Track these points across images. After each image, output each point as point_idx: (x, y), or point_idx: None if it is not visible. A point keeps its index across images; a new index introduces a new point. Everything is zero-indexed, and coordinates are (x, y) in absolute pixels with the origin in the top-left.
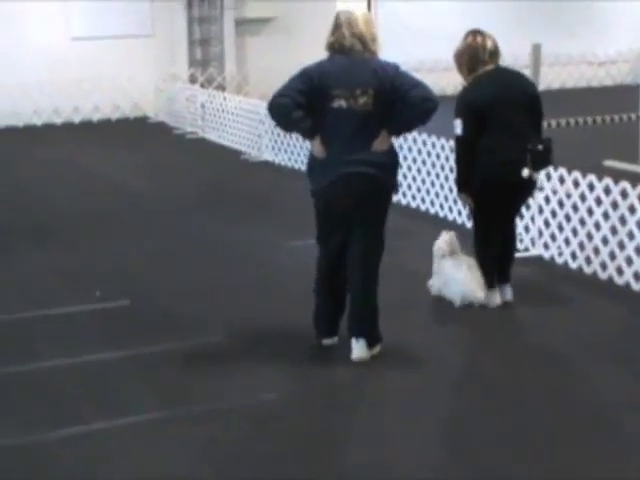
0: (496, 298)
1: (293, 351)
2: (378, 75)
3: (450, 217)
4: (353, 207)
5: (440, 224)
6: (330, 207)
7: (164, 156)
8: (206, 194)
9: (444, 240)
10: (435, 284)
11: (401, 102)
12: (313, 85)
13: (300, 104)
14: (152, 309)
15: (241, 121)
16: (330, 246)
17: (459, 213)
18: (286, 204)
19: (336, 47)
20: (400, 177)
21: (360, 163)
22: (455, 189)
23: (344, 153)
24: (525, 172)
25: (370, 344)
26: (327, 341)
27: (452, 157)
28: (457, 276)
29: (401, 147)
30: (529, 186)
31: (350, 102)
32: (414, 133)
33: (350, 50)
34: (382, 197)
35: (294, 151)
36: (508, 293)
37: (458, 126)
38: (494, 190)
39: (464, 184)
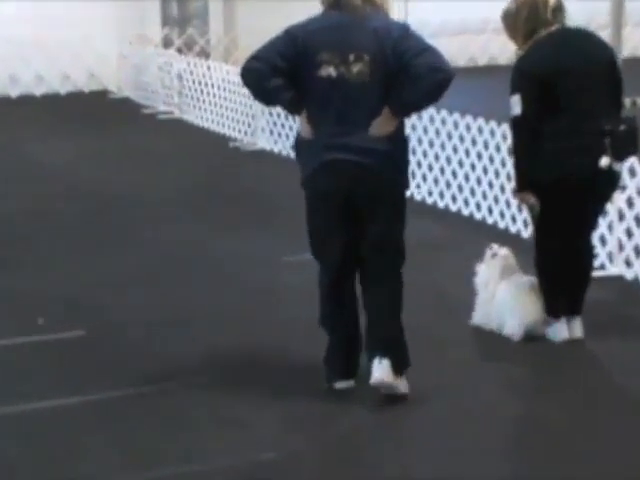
0: (563, 331)
1: (296, 397)
2: (378, 37)
3: (500, 224)
4: (346, 206)
5: (485, 233)
6: (318, 203)
7: (130, 144)
8: (186, 194)
9: (494, 259)
10: (478, 312)
11: (404, 73)
12: (297, 47)
13: (280, 70)
14: (115, 341)
15: (230, 98)
16: (327, 257)
17: (512, 219)
18: (287, 206)
19: (330, 0)
20: (425, 169)
21: (349, 149)
22: (510, 186)
23: (332, 135)
24: (604, 161)
25: (396, 368)
26: (341, 384)
27: (503, 145)
28: (514, 302)
29: (425, 130)
30: (609, 182)
31: (341, 70)
32: (443, 111)
33: (346, 3)
34: (385, 196)
35: None
36: (578, 328)
37: (515, 104)
38: (563, 187)
39: (523, 180)
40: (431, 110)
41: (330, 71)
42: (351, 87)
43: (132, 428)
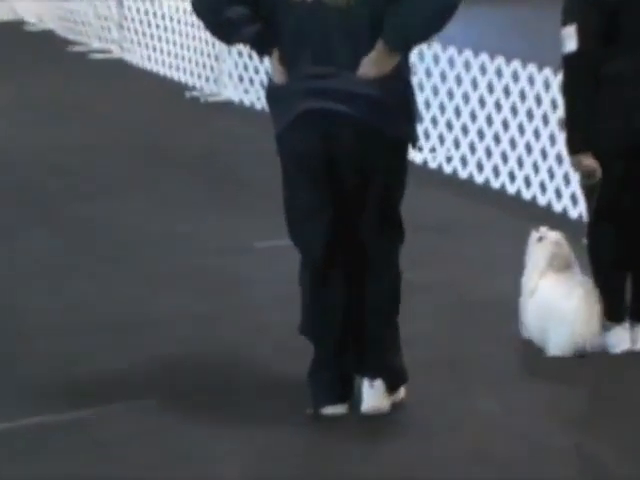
0: (624, 340)
1: (271, 426)
2: None
3: (540, 200)
4: (331, 172)
5: (521, 213)
6: (295, 169)
7: (53, 91)
8: (126, 160)
9: (539, 245)
10: (530, 321)
11: None
12: None
13: None
14: (29, 354)
15: (186, 33)
16: (310, 241)
17: (557, 194)
18: (260, 176)
19: None
20: (443, 128)
21: (331, 95)
22: (564, 148)
23: (309, 78)
24: None
25: (391, 386)
26: (330, 410)
27: (545, 95)
28: (565, 307)
29: (442, 77)
30: None
31: None
32: (467, 52)
33: None
34: (381, 158)
35: None
36: None
37: (569, 38)
38: (629, 151)
39: (578, 138)
40: (452, 50)
41: None
42: (331, 13)
43: (54, 463)
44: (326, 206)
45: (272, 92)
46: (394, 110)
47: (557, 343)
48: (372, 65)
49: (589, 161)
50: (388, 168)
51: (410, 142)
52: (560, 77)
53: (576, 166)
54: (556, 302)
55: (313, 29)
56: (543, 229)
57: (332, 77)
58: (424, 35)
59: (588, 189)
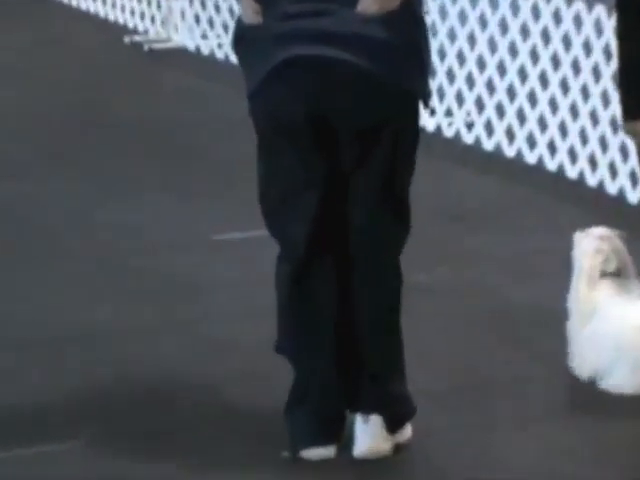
0: None
1: (237, 474)
2: None
3: (590, 180)
4: (320, 139)
5: (564, 195)
6: (275, 135)
7: None
8: (48, 126)
9: (585, 243)
10: (587, 355)
11: None
12: None
13: None
14: None
15: None
16: (292, 227)
17: (611, 171)
18: (225, 148)
19: None
20: (462, 84)
21: (323, 38)
22: (619, 114)
23: (291, 17)
24: None
25: (393, 422)
26: (313, 452)
27: (596, 41)
28: (625, 331)
29: (461, 17)
30: None
31: None
32: None
33: None
34: (387, 121)
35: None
36: None
37: None
38: None
39: (636, 98)
40: None
41: None
42: None
43: None
44: (315, 183)
45: (242, 36)
46: (404, 56)
47: (622, 378)
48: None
49: None
50: (395, 133)
51: (421, 99)
52: (614, 18)
53: (632, 135)
54: (623, 325)
55: None
56: (597, 231)
57: (323, 16)
58: None
59: None
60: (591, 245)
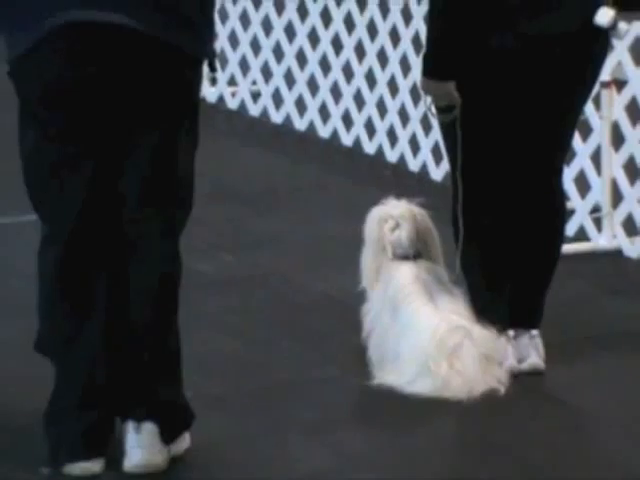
0: (507, 356)
1: None
2: None
3: (390, 156)
4: (93, 109)
5: (365, 173)
6: (43, 106)
7: None
8: None
9: (387, 221)
10: (384, 354)
11: None
12: None
13: None
14: None
15: None
16: (60, 196)
17: (412, 146)
18: None
19: None
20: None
21: (106, 1)
22: (417, 70)
23: None
24: (606, 14)
25: (167, 433)
26: (77, 467)
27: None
28: (419, 320)
29: None
30: (598, 54)
31: None
32: None
33: None
34: (179, 82)
35: None
36: (533, 351)
37: None
38: (523, 58)
39: (449, 55)
40: None
41: None
42: None
43: None
44: (87, 155)
45: None
46: (192, 17)
47: (416, 379)
48: None
49: (454, 91)
50: (175, 99)
51: (207, 59)
52: None
53: (428, 93)
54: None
55: None
56: (393, 201)
57: None
58: None
59: (446, 130)
60: (378, 212)
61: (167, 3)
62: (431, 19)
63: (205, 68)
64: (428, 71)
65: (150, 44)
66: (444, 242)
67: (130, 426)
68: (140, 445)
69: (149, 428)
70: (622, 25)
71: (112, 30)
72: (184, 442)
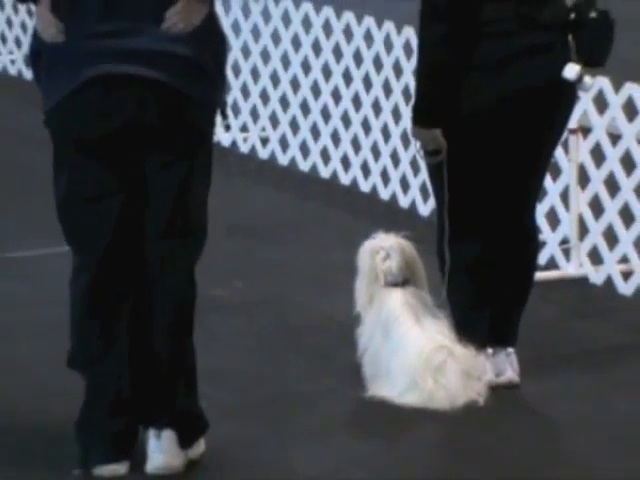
0: (485, 371)
1: None
2: None
3: (383, 194)
4: (124, 145)
5: (361, 209)
6: (75, 152)
7: None
8: None
9: (379, 253)
10: (377, 368)
11: None
12: None
13: None
14: None
15: None
16: (91, 229)
17: (402, 185)
18: (12, 165)
19: None
20: (257, 102)
21: (131, 56)
22: (408, 119)
23: (97, 36)
24: (573, 69)
25: (185, 439)
26: (105, 470)
27: (387, 58)
28: (408, 340)
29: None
30: (569, 103)
31: None
32: (307, 4)
33: None
34: (190, 134)
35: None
36: (509, 366)
37: None
38: (500, 113)
39: (435, 107)
40: None
41: None
42: None
43: None
44: (117, 190)
45: (39, 54)
46: (209, 71)
47: (407, 390)
48: (180, 16)
49: (431, 136)
50: (193, 144)
51: (220, 109)
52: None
53: (419, 138)
54: (397, 333)
55: None
56: (381, 235)
57: (130, 35)
58: None
59: (433, 171)
60: (370, 244)
61: (187, 58)
62: (418, 76)
63: (219, 116)
64: (416, 120)
65: (172, 94)
66: (429, 270)
67: (152, 433)
68: (161, 450)
69: (168, 435)
70: (587, 79)
71: (139, 81)
72: (200, 447)
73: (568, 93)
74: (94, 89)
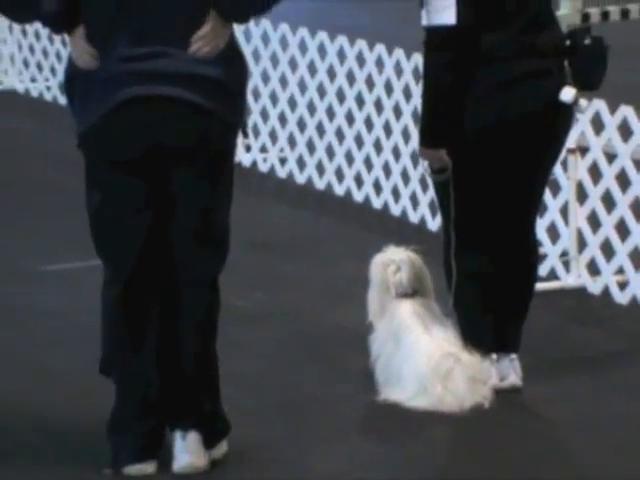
0: (490, 376)
1: None
2: None
3: (394, 210)
4: (154, 164)
5: (374, 225)
6: (110, 170)
7: None
8: None
9: (390, 265)
10: (389, 373)
11: None
12: None
13: None
14: None
15: None
16: (121, 244)
17: (412, 202)
18: (48, 185)
19: None
20: (275, 121)
21: (165, 77)
22: (416, 140)
23: (130, 59)
24: (569, 92)
25: (209, 440)
26: (134, 469)
27: (397, 82)
28: (418, 348)
29: (254, 54)
30: (563, 127)
31: None
32: (303, 30)
33: None
34: (221, 147)
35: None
36: (513, 371)
37: (446, 9)
38: (501, 134)
39: (439, 129)
40: (284, 28)
41: None
42: None
43: None
44: (145, 208)
45: (74, 80)
46: (234, 92)
47: (418, 394)
48: (206, 40)
49: (437, 156)
50: (219, 163)
51: (241, 129)
52: (416, 58)
53: (427, 159)
54: (407, 341)
55: (134, 1)
56: (392, 248)
57: (159, 58)
58: (268, 4)
59: (440, 190)
60: (382, 257)
61: (215, 80)
62: (424, 100)
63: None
64: (423, 141)
65: (202, 114)
66: (436, 282)
67: (178, 434)
68: (186, 450)
69: (193, 436)
70: (582, 101)
71: (170, 102)
72: (222, 447)
73: (565, 115)
74: (128, 110)
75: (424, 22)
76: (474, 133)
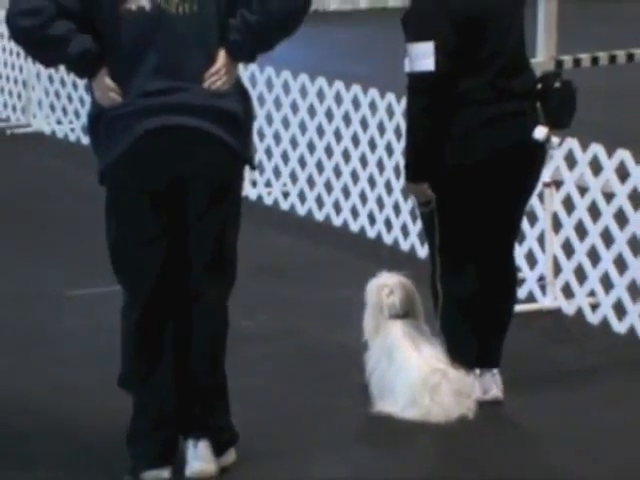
0: (474, 389)
1: None
2: None
3: (386, 239)
4: (172, 193)
5: (368, 252)
6: (132, 200)
7: None
8: None
9: (384, 289)
10: (382, 387)
11: None
12: None
13: (67, 10)
14: None
15: None
16: (140, 276)
17: (402, 232)
18: (72, 216)
19: None
20: (278, 159)
21: (185, 109)
22: (402, 175)
23: (151, 94)
24: (541, 131)
25: (218, 449)
26: (151, 475)
27: (388, 123)
28: (409, 364)
29: (259, 99)
30: (537, 163)
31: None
32: (303, 76)
33: None
34: (233, 177)
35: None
36: (495, 385)
37: (425, 56)
38: (480, 170)
39: (422, 165)
40: (286, 74)
41: (142, 2)
42: (176, 22)
43: None
44: (163, 235)
45: (97, 119)
46: (245, 125)
47: (399, 403)
48: (218, 75)
49: (422, 190)
50: (232, 193)
51: (249, 162)
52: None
53: (413, 193)
54: (399, 357)
55: (153, 41)
56: (385, 274)
57: (180, 91)
58: (271, 40)
59: (427, 221)
60: (376, 282)
61: (229, 112)
62: (407, 140)
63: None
64: (407, 176)
65: (218, 144)
66: (426, 304)
67: (190, 443)
68: (198, 457)
69: (204, 444)
70: (554, 139)
71: (190, 132)
72: (231, 456)
73: (538, 152)
74: (150, 142)
75: (407, 69)
76: (455, 169)
